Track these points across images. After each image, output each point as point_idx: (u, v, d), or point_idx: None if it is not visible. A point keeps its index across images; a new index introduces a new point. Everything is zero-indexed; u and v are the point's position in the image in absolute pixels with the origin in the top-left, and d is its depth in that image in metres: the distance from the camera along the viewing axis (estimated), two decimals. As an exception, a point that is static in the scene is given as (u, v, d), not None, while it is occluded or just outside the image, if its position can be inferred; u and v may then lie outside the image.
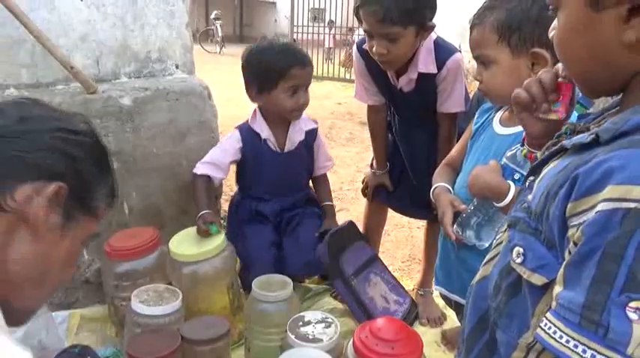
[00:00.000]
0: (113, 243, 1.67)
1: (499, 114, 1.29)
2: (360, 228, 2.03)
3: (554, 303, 0.52)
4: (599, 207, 0.49)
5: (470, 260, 1.24)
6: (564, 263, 0.53)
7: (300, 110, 1.83)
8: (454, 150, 1.48)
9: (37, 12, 1.73)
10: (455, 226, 1.19)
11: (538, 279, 0.57)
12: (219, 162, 1.86)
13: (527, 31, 1.09)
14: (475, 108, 1.51)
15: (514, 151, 1.07)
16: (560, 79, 0.76)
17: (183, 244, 1.66)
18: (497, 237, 0.72)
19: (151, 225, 1.81)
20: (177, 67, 2.10)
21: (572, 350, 0.49)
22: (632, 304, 0.46)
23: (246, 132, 1.91)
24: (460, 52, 1.75)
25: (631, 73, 0.57)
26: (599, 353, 0.47)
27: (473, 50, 1.20)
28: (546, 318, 0.52)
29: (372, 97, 1.88)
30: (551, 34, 0.65)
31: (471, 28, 1.19)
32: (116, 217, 1.87)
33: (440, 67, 1.66)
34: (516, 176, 1.08)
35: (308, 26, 11.77)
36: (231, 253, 1.73)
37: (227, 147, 1.89)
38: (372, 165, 2.04)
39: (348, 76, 10.14)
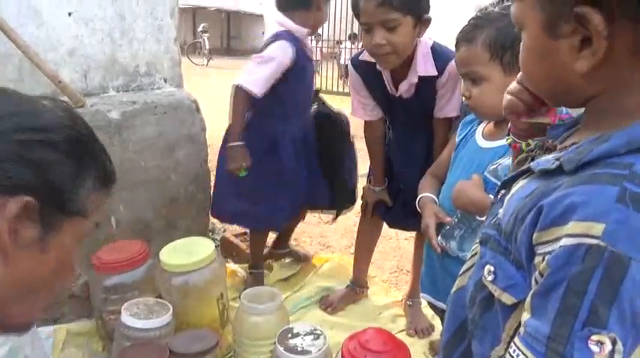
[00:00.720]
0: (101, 256, 1.66)
1: (481, 127, 1.32)
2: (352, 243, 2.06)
3: (522, 330, 0.54)
4: (563, 242, 0.51)
5: (454, 268, 1.25)
6: (531, 292, 0.55)
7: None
8: (439, 160, 1.51)
9: (25, 27, 1.74)
10: (439, 237, 1.22)
11: (508, 299, 0.59)
12: (265, 80, 1.84)
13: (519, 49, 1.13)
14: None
15: (496, 165, 1.11)
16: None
17: (174, 255, 1.66)
18: (472, 248, 0.74)
19: (138, 239, 1.80)
20: (165, 81, 2.12)
21: None
22: (594, 337, 0.48)
23: (293, 41, 1.89)
24: None
25: (588, 96, 0.58)
26: None
27: (461, 67, 1.21)
28: (515, 344, 0.54)
29: (370, 113, 1.89)
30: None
31: (458, 45, 1.21)
32: (103, 231, 1.87)
33: (440, 71, 1.68)
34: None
35: (295, 39, 11.83)
36: (221, 264, 1.74)
37: (276, 66, 1.85)
38: (369, 181, 2.04)
39: (336, 89, 10.24)
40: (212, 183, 2.13)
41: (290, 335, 1.41)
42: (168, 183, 2.02)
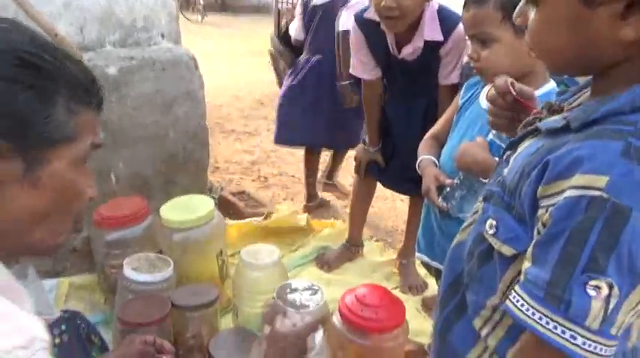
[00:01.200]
0: (103, 212, 1.68)
1: (485, 89, 1.30)
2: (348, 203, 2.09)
3: (522, 277, 0.57)
4: (567, 193, 0.53)
5: (453, 229, 1.26)
6: (533, 242, 0.57)
7: None
8: (439, 123, 1.51)
9: (19, -24, 1.69)
10: (440, 198, 1.23)
11: (507, 250, 0.62)
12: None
13: None
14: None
15: None
16: (517, 97, 0.80)
17: (174, 212, 1.68)
18: (474, 206, 0.76)
19: (138, 195, 1.82)
20: (162, 37, 2.07)
21: (537, 322, 0.54)
22: (592, 283, 0.51)
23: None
24: None
25: (612, 64, 0.58)
26: (560, 324, 0.53)
27: (471, 28, 1.19)
28: (515, 291, 0.57)
29: (370, 72, 1.88)
30: (517, 20, 0.67)
31: (468, 5, 1.18)
32: (104, 186, 1.88)
33: (445, 36, 1.66)
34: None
35: (293, -4, 11.52)
36: (220, 220, 1.76)
37: None
38: (364, 141, 2.06)
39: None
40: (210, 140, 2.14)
41: (288, 290, 1.45)
42: (166, 139, 2.02)
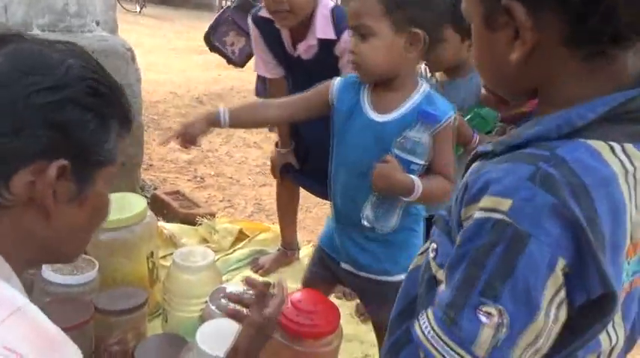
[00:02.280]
0: (20, 208, 1.55)
1: (366, 96, 1.25)
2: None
3: (435, 300, 0.57)
4: (476, 215, 0.52)
5: (380, 238, 1.28)
6: (446, 263, 0.56)
7: None
8: (292, 99, 1.45)
9: None
10: (364, 221, 1.22)
11: (441, 275, 0.60)
12: None
13: (413, 11, 1.12)
14: None
15: (402, 139, 1.12)
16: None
17: (101, 211, 1.58)
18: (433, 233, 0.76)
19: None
20: (97, 24, 1.96)
21: (429, 341, 0.54)
22: (484, 308, 0.50)
23: None
24: None
25: (526, 87, 0.60)
26: (448, 347, 0.52)
27: (352, 19, 1.16)
28: (424, 311, 0.57)
29: (272, 71, 1.85)
30: None
31: None
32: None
33: (338, 35, 1.65)
34: (412, 166, 1.13)
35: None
36: (153, 221, 1.69)
37: None
38: (277, 144, 2.03)
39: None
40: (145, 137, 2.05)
41: (222, 294, 1.41)
42: (97, 134, 1.91)
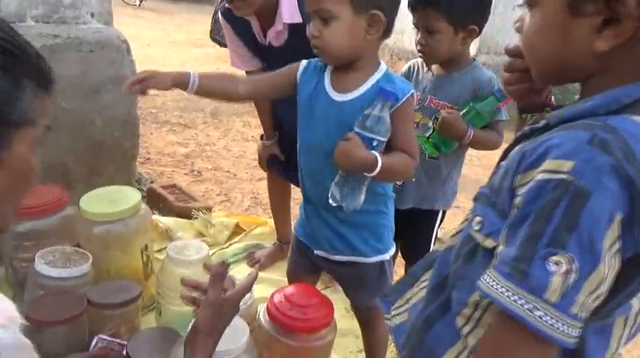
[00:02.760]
0: (13, 201, 1.54)
1: (327, 77, 1.26)
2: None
3: (494, 260, 0.61)
4: (538, 177, 0.57)
5: (349, 219, 1.29)
6: (506, 225, 0.61)
7: None
8: (261, 78, 1.45)
9: None
10: (330, 201, 1.23)
11: (490, 243, 0.66)
12: None
13: None
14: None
15: (364, 118, 1.14)
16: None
17: (96, 203, 1.58)
18: (467, 214, 0.79)
19: (57, 185, 1.69)
20: (92, 16, 1.94)
21: (501, 295, 0.58)
22: (553, 258, 0.55)
23: None
24: None
25: (590, 74, 0.63)
26: (522, 296, 0.56)
27: (312, 4, 1.17)
28: (487, 272, 0.61)
29: (247, 63, 1.82)
30: (516, 25, 0.70)
31: None
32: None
33: (305, 18, 1.60)
34: (374, 143, 1.15)
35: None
36: (147, 214, 1.68)
37: None
38: (261, 136, 2.02)
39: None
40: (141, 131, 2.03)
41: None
42: (92, 127, 1.89)
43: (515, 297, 0.56)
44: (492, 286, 0.59)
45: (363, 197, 1.23)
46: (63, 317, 1.29)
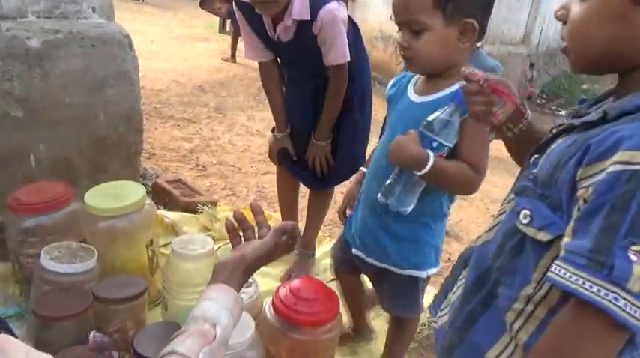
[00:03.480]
0: (19, 197, 1.54)
1: (413, 81, 1.28)
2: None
3: (562, 252, 0.60)
4: (610, 169, 0.57)
5: (393, 225, 1.28)
6: (574, 217, 0.61)
7: None
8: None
9: None
10: (379, 195, 1.22)
11: (544, 236, 0.65)
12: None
13: (463, 1, 1.10)
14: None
15: (431, 119, 1.10)
16: (487, 84, 0.84)
17: (100, 198, 1.57)
18: (500, 208, 0.79)
19: (62, 181, 1.69)
20: (93, 11, 1.93)
21: (580, 286, 0.57)
22: (634, 248, 0.55)
23: None
24: (339, 1, 1.67)
25: (633, 65, 0.64)
26: (603, 287, 0.56)
27: (402, 15, 1.14)
28: (555, 264, 0.60)
29: (260, 54, 1.82)
30: (558, 12, 0.70)
31: None
32: (22, 170, 1.73)
33: (313, 16, 1.61)
34: (434, 144, 1.11)
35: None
36: (152, 209, 1.67)
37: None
38: (273, 129, 1.98)
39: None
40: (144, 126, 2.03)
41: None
42: (95, 122, 1.89)
43: (596, 288, 0.56)
44: (567, 278, 0.58)
45: (413, 201, 1.19)
46: (69, 312, 1.29)
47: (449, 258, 2.46)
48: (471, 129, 1.12)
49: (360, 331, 1.72)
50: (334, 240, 2.32)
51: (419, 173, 1.12)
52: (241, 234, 1.05)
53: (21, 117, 1.66)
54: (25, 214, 1.54)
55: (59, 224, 1.58)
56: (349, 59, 1.71)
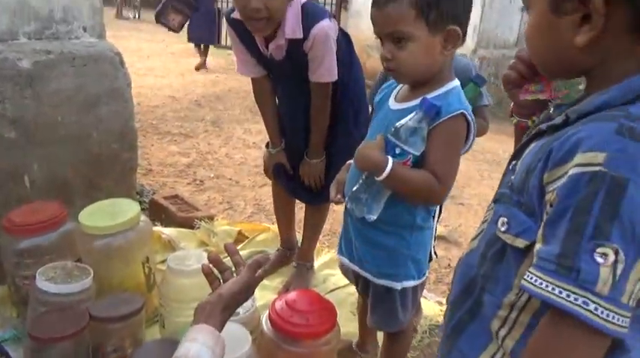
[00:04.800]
0: (13, 218, 1.54)
1: (398, 88, 1.26)
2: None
3: (535, 259, 0.60)
4: (571, 172, 0.57)
5: (366, 232, 1.27)
6: (542, 223, 0.61)
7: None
8: None
9: None
10: (347, 200, 1.22)
11: (521, 243, 0.65)
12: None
13: (445, 8, 1.10)
14: (378, 86, 1.50)
15: (399, 126, 1.10)
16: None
17: (95, 217, 1.57)
18: (484, 215, 0.79)
19: (56, 200, 1.69)
20: (85, 30, 1.95)
21: (550, 293, 0.57)
22: (599, 250, 0.55)
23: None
24: (330, 18, 1.67)
25: (585, 67, 0.66)
26: (572, 292, 0.56)
27: (384, 27, 1.13)
28: (529, 271, 0.60)
29: (252, 70, 1.82)
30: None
31: (379, 3, 1.13)
32: (16, 190, 1.73)
33: (306, 34, 1.61)
34: (397, 150, 1.11)
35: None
36: (147, 225, 1.67)
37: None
38: (267, 144, 1.96)
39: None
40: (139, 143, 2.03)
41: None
42: (89, 140, 1.89)
43: (565, 293, 0.56)
44: (539, 285, 0.58)
45: (378, 209, 1.18)
46: (65, 333, 1.28)
47: (448, 265, 2.45)
48: (439, 139, 1.11)
49: (365, 348, 1.70)
50: (333, 251, 2.31)
51: (378, 178, 1.12)
52: (220, 276, 1.09)
53: (14, 138, 1.67)
54: (19, 236, 1.54)
55: (54, 244, 1.57)
56: (335, 79, 1.70)
